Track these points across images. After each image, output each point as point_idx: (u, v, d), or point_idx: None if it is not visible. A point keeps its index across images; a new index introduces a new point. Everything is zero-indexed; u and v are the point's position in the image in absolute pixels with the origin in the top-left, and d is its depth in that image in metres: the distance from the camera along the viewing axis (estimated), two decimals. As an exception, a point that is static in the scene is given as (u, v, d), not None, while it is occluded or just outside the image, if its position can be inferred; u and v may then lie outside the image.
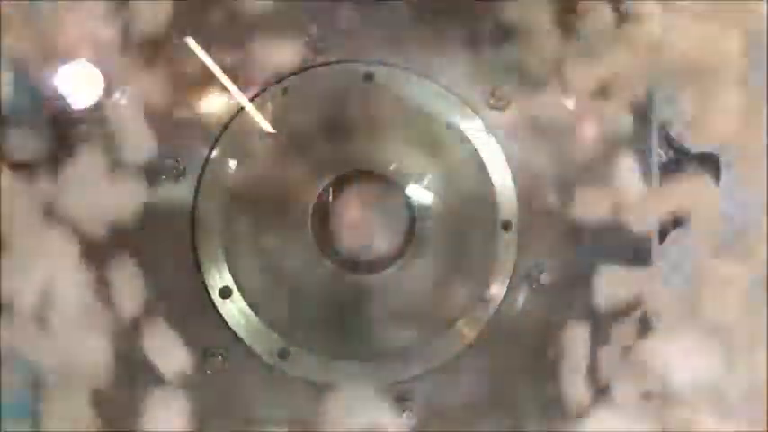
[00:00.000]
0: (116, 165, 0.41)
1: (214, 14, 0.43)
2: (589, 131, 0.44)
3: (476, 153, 0.44)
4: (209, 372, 0.43)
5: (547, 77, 0.43)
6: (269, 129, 0.43)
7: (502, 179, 0.45)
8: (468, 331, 0.45)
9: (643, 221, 0.43)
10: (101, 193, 0.41)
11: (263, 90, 0.43)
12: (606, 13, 0.42)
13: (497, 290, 0.45)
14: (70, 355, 0.39)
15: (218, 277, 0.43)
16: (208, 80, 0.43)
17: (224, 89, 0.43)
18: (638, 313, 0.43)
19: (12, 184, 0.40)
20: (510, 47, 0.43)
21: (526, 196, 0.45)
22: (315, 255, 0.44)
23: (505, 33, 0.43)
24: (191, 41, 0.43)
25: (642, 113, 0.44)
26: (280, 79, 0.43)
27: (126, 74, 0.42)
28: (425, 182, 0.45)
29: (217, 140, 0.43)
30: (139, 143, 0.42)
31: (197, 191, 0.43)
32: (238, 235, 0.44)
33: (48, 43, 0.41)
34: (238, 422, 0.43)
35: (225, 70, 0.43)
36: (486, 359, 0.45)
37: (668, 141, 0.46)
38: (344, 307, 0.44)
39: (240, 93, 0.43)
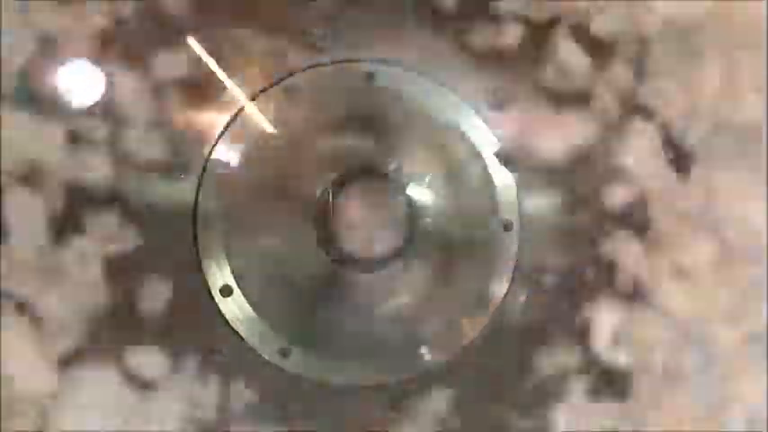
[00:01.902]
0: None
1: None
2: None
3: (476, 153, 0.44)
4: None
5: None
6: (270, 128, 0.43)
7: (502, 179, 0.45)
8: (468, 330, 0.45)
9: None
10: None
11: (265, 89, 0.43)
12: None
13: (498, 289, 0.45)
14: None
15: (219, 276, 0.43)
16: (209, 79, 0.43)
17: (226, 88, 0.43)
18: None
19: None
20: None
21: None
22: (316, 253, 0.44)
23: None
24: (192, 41, 0.43)
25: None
26: (281, 79, 0.44)
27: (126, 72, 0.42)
28: (426, 181, 0.45)
29: (218, 139, 0.43)
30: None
31: (198, 189, 0.43)
32: (239, 233, 0.44)
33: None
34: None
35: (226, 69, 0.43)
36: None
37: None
38: (345, 306, 0.44)
39: (241, 91, 0.43)
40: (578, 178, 0.45)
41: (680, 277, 0.44)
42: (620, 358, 0.44)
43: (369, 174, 0.44)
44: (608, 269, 0.45)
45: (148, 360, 0.42)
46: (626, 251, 0.44)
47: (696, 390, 0.44)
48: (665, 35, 0.44)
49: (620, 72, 0.44)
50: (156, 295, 0.42)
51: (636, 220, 0.45)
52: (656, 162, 0.45)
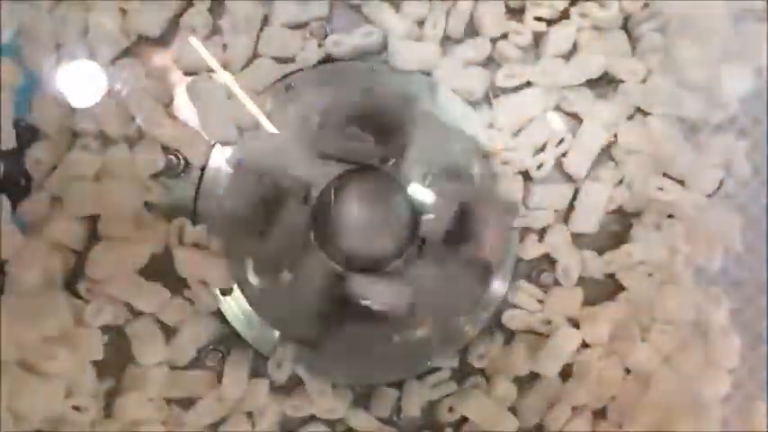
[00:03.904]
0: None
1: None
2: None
3: (478, 151, 0.44)
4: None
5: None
6: (270, 127, 0.43)
7: (504, 178, 0.44)
8: (469, 330, 0.45)
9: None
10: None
11: (266, 87, 0.43)
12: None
13: (499, 289, 0.45)
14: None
15: (219, 275, 0.43)
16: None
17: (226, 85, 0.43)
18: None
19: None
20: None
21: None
22: (315, 253, 0.44)
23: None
24: (193, 40, 0.43)
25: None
26: (283, 76, 0.43)
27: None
28: (427, 180, 0.44)
29: (218, 137, 0.43)
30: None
31: (198, 187, 0.43)
32: (239, 233, 0.43)
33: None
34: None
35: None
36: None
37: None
38: (345, 305, 0.44)
39: (242, 89, 0.43)
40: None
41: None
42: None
43: (370, 172, 0.44)
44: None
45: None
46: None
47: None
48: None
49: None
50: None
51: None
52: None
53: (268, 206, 0.43)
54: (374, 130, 0.43)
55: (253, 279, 0.43)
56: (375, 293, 0.44)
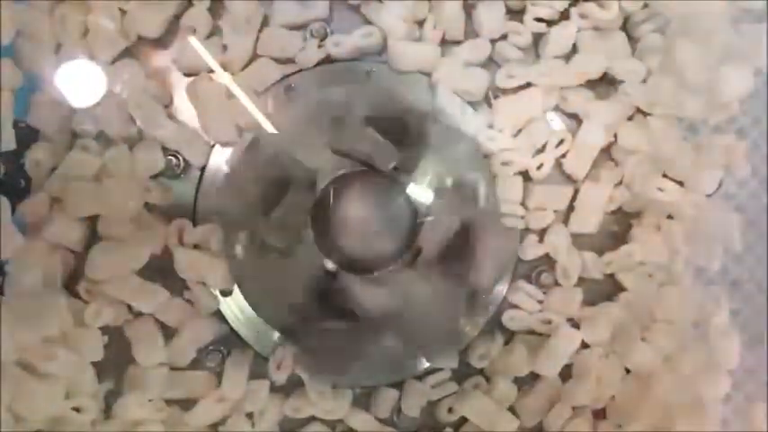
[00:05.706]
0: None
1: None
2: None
3: (477, 152, 0.44)
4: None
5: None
6: (270, 127, 0.43)
7: (504, 179, 0.44)
8: (468, 331, 0.45)
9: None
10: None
11: (266, 88, 0.43)
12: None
13: (498, 289, 0.45)
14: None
15: (219, 275, 0.43)
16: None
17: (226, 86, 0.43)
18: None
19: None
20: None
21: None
22: (315, 254, 0.44)
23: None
24: (192, 41, 0.43)
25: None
26: (282, 77, 0.43)
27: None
28: (426, 181, 0.44)
29: (218, 137, 0.43)
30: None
31: (198, 188, 0.43)
32: (239, 234, 0.43)
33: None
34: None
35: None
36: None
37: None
38: (344, 306, 0.44)
39: (242, 90, 0.43)
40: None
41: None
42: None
43: (370, 173, 0.44)
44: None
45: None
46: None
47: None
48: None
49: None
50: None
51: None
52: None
53: (268, 207, 0.43)
54: (391, 135, 0.43)
55: (242, 253, 0.43)
56: (361, 295, 0.44)
